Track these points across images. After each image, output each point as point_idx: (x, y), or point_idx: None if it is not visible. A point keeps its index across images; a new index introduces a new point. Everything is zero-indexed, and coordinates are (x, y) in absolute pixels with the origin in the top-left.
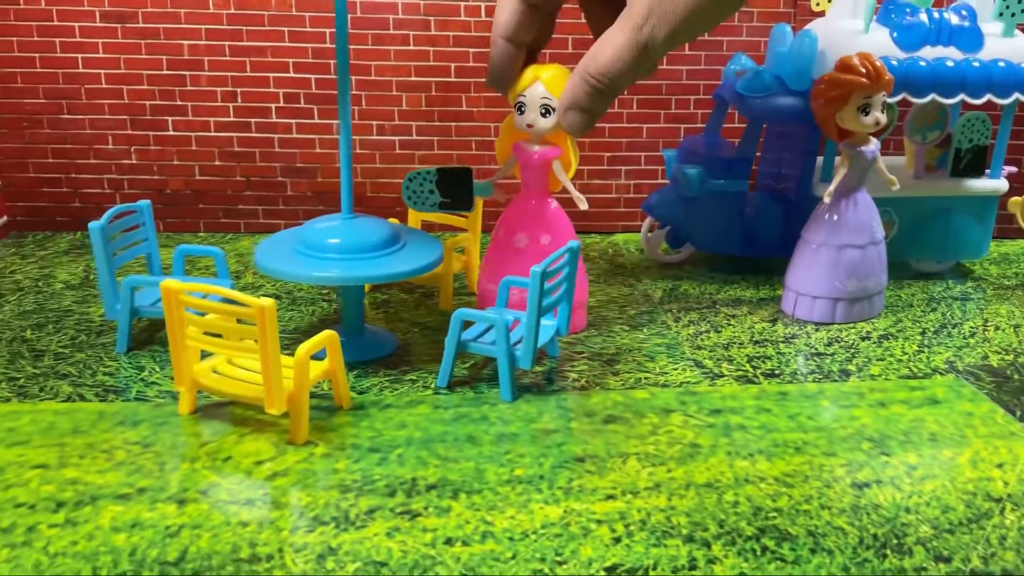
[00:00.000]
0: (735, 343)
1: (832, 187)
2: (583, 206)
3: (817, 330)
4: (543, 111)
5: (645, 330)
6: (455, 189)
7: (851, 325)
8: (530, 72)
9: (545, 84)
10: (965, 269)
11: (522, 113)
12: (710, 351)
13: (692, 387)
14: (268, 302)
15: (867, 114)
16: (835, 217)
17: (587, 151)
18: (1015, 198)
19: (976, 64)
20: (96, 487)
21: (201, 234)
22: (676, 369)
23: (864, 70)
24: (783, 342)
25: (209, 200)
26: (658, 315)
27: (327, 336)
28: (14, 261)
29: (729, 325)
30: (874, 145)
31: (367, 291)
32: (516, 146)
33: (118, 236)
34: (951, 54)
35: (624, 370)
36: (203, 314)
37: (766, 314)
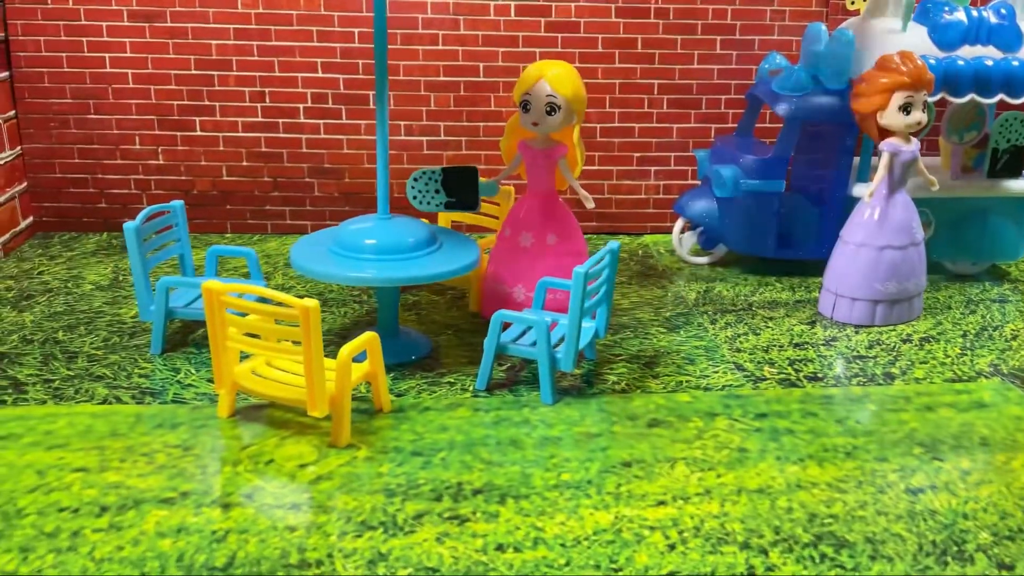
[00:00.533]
0: (775, 346)
1: (873, 187)
2: (589, 205)
3: (857, 332)
4: (548, 109)
5: (682, 332)
6: (460, 188)
7: (891, 328)
8: (535, 69)
9: (550, 82)
10: (1001, 271)
11: (527, 111)
12: (750, 354)
13: (735, 390)
14: (312, 303)
15: (909, 113)
16: (875, 218)
17: (616, 151)
18: None
19: (1015, 63)
20: (139, 491)
21: (228, 235)
22: (717, 372)
23: (906, 68)
24: (823, 344)
25: (236, 201)
26: (694, 317)
27: (368, 338)
28: (42, 262)
29: (767, 327)
30: (915, 145)
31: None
32: (521, 144)
33: (152, 237)
34: (990, 53)
35: (664, 373)
36: (243, 315)
37: (804, 316)
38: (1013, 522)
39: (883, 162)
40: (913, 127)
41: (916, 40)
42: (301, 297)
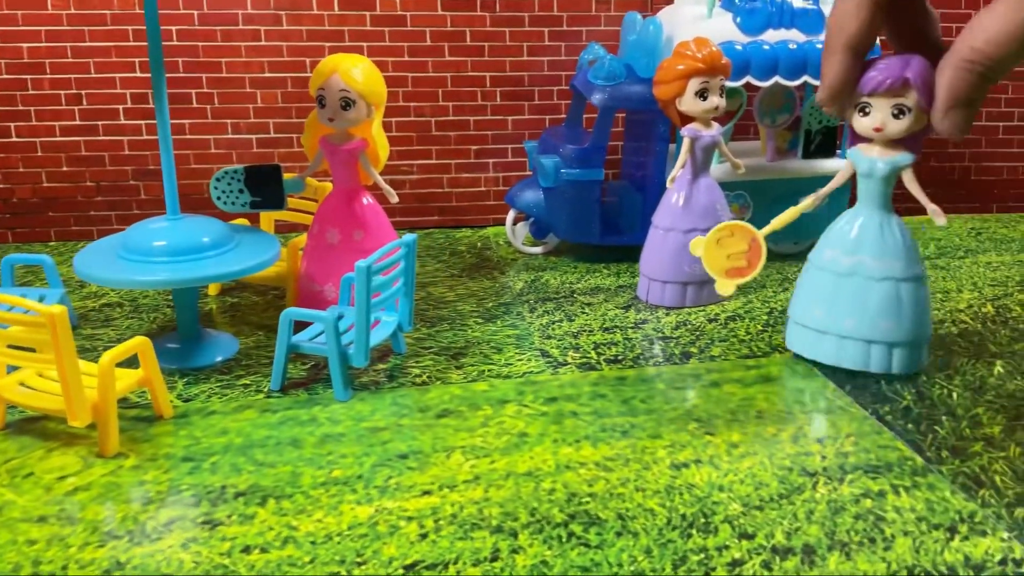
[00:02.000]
0: (585, 331)
1: (675, 172)
2: (393, 199)
3: (668, 314)
4: (343, 104)
5: (499, 322)
6: (265, 187)
7: (701, 308)
8: (328, 64)
9: (343, 76)
10: None
11: (323, 107)
12: (559, 340)
13: (533, 377)
14: (58, 309)
15: (706, 99)
16: (680, 202)
17: (453, 144)
18: (697, 238)
19: (819, 46)
20: None
21: (52, 243)
22: (521, 360)
23: (701, 54)
24: (632, 328)
25: (59, 207)
26: (515, 307)
27: (138, 343)
28: None
29: (583, 313)
30: (716, 129)
31: (215, 294)
32: (322, 140)
33: None
34: (794, 36)
35: (469, 363)
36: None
37: (621, 301)
38: (766, 492)
39: (684, 147)
40: (711, 112)
41: (722, 26)
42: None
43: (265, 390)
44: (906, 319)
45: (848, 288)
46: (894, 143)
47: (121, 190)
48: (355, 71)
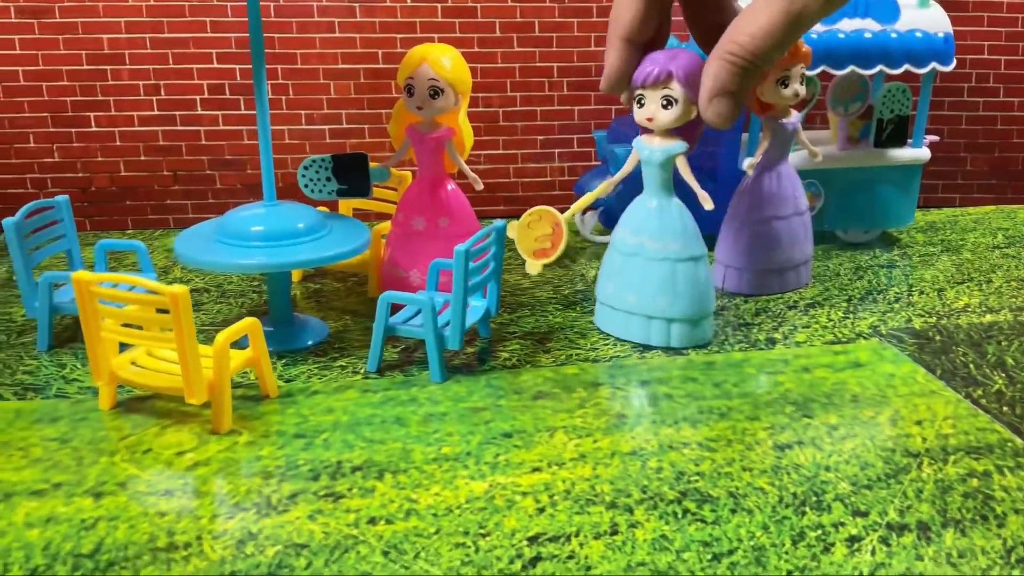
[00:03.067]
0: None
1: (755, 160)
2: (479, 186)
3: (746, 302)
4: (432, 92)
5: (578, 308)
6: (351, 175)
7: (779, 295)
8: (417, 53)
9: (432, 65)
10: (892, 238)
11: (411, 95)
12: None
13: (621, 361)
14: (181, 289)
15: (786, 86)
16: (759, 190)
17: (520, 135)
18: (512, 221)
19: (893, 35)
20: (10, 484)
21: (129, 231)
22: (607, 344)
23: None
24: (713, 314)
25: (136, 196)
26: (591, 294)
27: (248, 323)
28: None
29: None
30: (795, 117)
31: (298, 280)
32: (409, 129)
33: (35, 233)
34: (868, 25)
35: (555, 348)
36: (122, 306)
37: None
38: (872, 471)
39: (763, 135)
40: (791, 100)
41: None
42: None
43: (362, 372)
44: (682, 297)
45: (632, 266)
46: (669, 133)
47: (197, 179)
48: (444, 60)
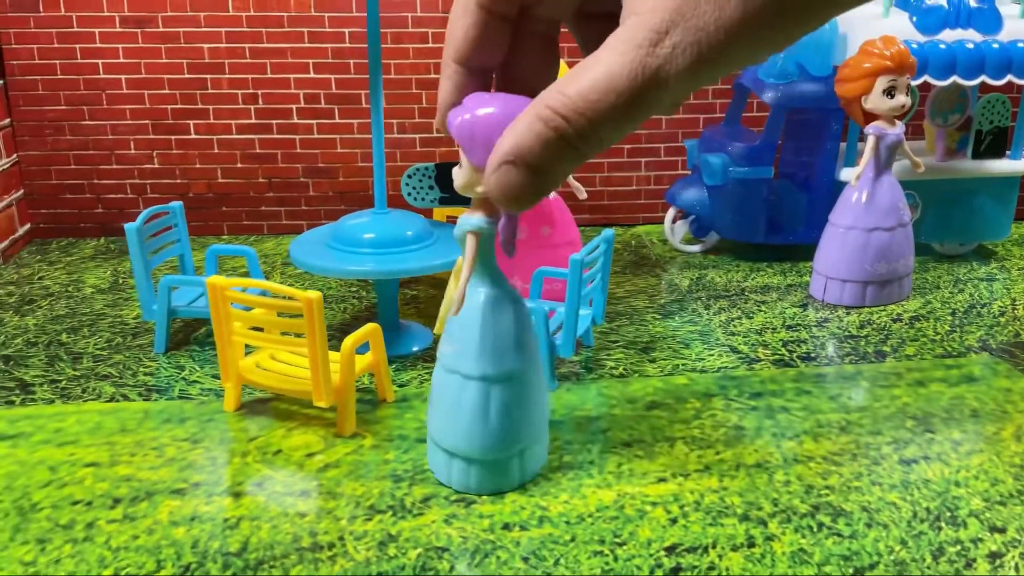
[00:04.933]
0: (768, 328)
1: (859, 170)
2: (582, 196)
3: (848, 313)
4: None
5: (677, 318)
6: (453, 183)
7: (882, 308)
8: None
9: None
10: (988, 251)
11: None
12: (744, 337)
13: (730, 372)
14: (315, 295)
15: (893, 97)
16: (863, 200)
17: None
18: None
19: (996, 46)
20: (150, 483)
21: (225, 236)
22: (712, 355)
23: (888, 52)
24: (816, 326)
25: (232, 203)
26: (688, 303)
27: (371, 329)
28: (41, 267)
29: (760, 311)
30: (899, 128)
31: None
32: None
33: (152, 238)
34: (970, 36)
35: (660, 357)
36: (246, 309)
37: (796, 299)
38: (1004, 488)
39: (869, 145)
40: (897, 110)
41: (898, 25)
42: None
43: None
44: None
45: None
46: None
47: (291, 187)
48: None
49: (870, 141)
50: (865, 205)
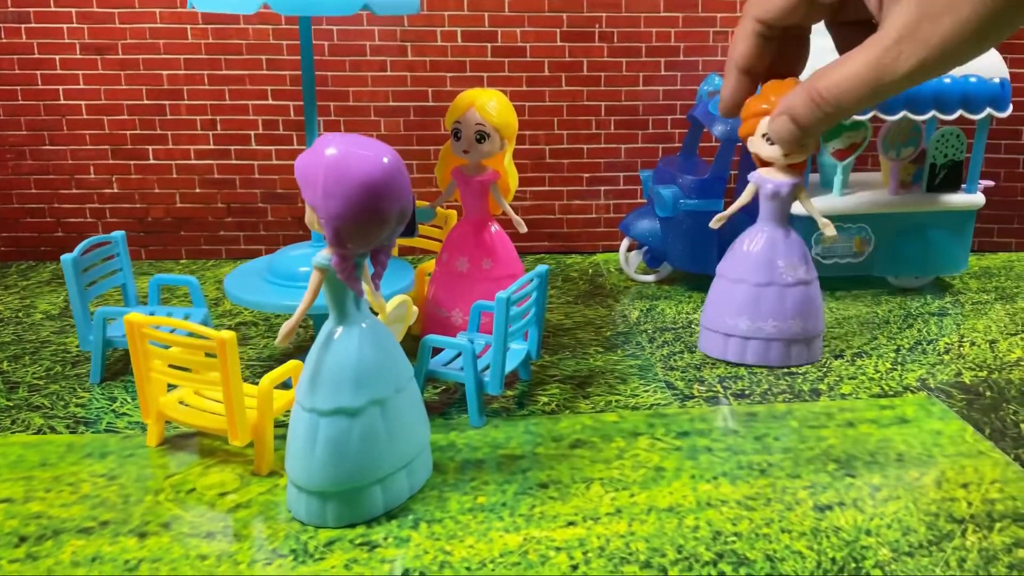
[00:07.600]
0: (708, 363)
1: (726, 214)
2: (522, 229)
3: None
4: (478, 137)
5: (619, 351)
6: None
7: (825, 343)
8: (465, 98)
9: (479, 110)
10: (944, 284)
11: (458, 139)
12: (682, 372)
13: (661, 409)
14: (228, 335)
15: (772, 144)
16: (742, 248)
17: (566, 172)
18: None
19: (947, 80)
20: (60, 521)
21: (183, 261)
22: (647, 391)
23: (773, 97)
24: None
25: (190, 228)
26: (633, 336)
27: (292, 366)
28: None
29: None
30: (790, 179)
31: None
32: (455, 171)
33: (92, 267)
34: None
35: (595, 393)
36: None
37: None
38: (915, 538)
39: (745, 191)
40: (777, 159)
41: None
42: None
43: None
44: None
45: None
46: None
47: (250, 212)
48: (490, 105)
49: (748, 187)
50: (740, 254)
